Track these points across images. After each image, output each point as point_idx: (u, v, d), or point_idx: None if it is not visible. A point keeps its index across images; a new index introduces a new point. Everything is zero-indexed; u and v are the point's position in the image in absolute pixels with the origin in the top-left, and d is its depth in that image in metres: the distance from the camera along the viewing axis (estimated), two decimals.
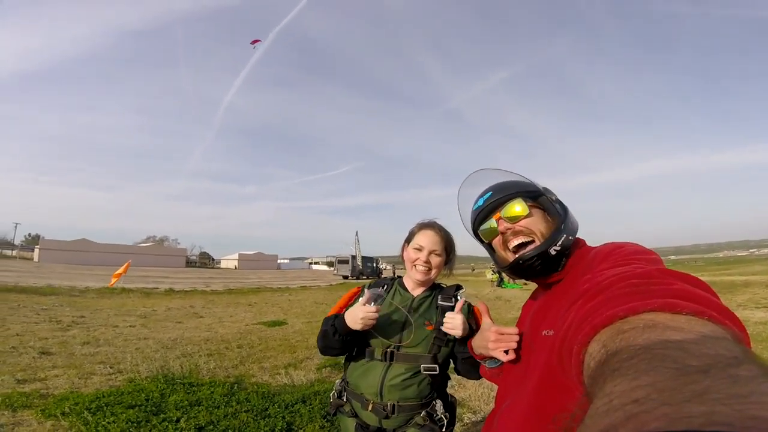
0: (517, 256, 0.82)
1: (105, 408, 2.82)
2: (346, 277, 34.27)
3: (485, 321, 1.04)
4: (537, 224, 0.83)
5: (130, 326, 6.93)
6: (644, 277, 0.43)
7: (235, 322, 8.22)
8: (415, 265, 1.43)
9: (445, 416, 1.38)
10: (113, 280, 14.55)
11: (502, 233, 0.86)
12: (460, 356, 1.33)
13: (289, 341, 6.24)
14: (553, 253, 0.78)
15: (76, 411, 2.75)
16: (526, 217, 0.84)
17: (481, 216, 0.91)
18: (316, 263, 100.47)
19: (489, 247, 0.94)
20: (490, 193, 0.91)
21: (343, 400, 1.45)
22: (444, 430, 1.37)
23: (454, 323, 1.27)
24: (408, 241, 1.51)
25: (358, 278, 33.56)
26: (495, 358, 0.97)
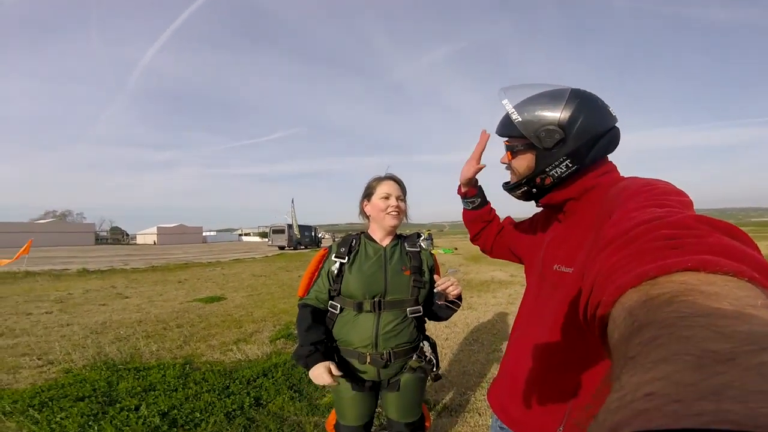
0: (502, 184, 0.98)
1: (50, 403, 2.64)
2: (282, 248, 33.03)
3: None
4: (518, 164, 0.91)
5: (46, 312, 6.21)
6: (678, 227, 0.37)
7: (167, 300, 7.75)
8: (387, 213, 1.50)
9: (433, 356, 1.47)
10: (4, 262, 12.69)
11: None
12: (438, 305, 1.48)
13: (232, 316, 6.14)
14: (541, 183, 0.86)
15: (19, 410, 2.55)
16: (513, 158, 0.93)
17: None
18: (246, 234, 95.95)
19: None
20: (499, 126, 0.95)
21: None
22: (434, 369, 1.46)
23: (451, 283, 1.37)
24: (368, 195, 1.57)
25: (295, 248, 32.55)
26: (472, 199, 1.22)
